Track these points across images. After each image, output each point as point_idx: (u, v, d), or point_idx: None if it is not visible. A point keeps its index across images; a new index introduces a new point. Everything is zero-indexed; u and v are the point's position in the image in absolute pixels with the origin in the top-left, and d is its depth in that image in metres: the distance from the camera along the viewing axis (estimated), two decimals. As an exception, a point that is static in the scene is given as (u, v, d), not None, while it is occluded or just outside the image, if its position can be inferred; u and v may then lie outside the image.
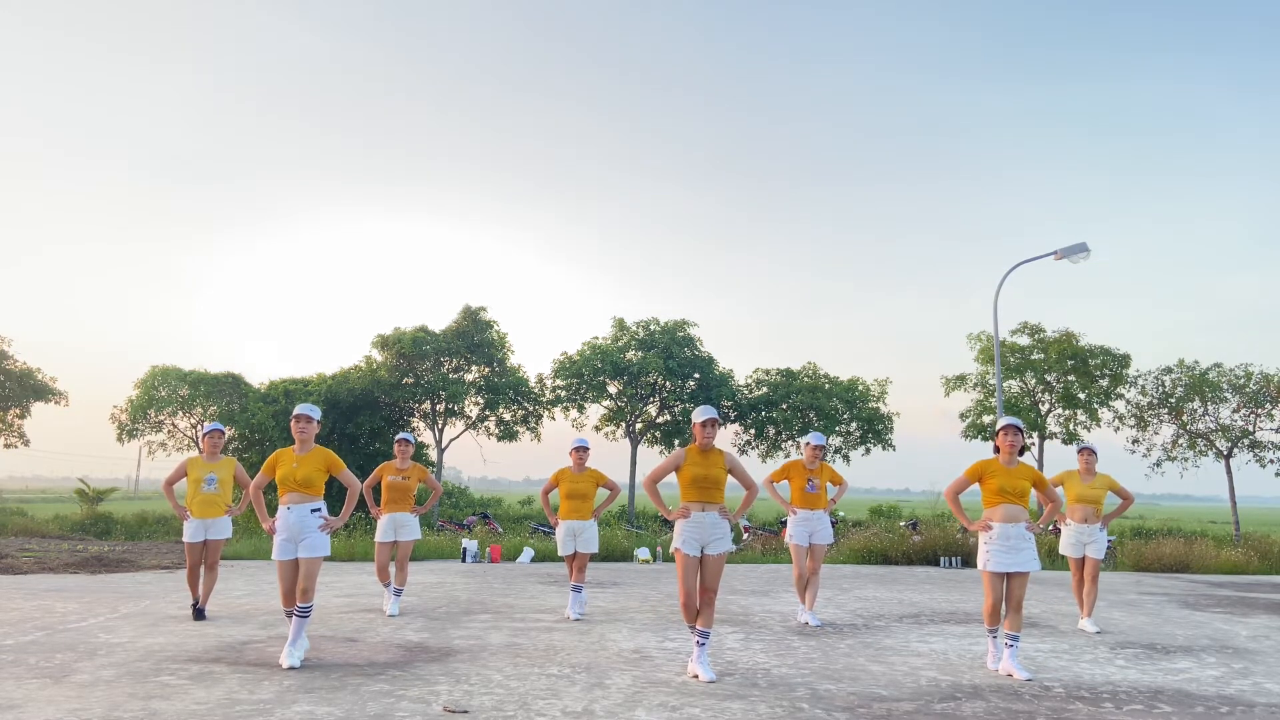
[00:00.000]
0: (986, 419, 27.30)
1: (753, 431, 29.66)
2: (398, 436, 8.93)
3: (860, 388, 29.48)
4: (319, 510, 6.31)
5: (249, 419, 25.82)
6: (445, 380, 27.16)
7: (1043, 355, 27.60)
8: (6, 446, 28.38)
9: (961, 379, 28.34)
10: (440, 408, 27.65)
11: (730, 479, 6.28)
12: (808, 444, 8.63)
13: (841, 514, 27.41)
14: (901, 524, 21.01)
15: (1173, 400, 25.99)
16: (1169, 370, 26.31)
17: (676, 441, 28.46)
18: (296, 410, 6.40)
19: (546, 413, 28.93)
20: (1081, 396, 27.30)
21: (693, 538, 6.07)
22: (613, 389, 28.80)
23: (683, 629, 7.92)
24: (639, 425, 29.09)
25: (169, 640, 6.99)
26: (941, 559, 15.91)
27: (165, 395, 26.46)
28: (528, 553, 15.59)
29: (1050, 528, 17.66)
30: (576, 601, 8.68)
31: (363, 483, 7.84)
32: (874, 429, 29.20)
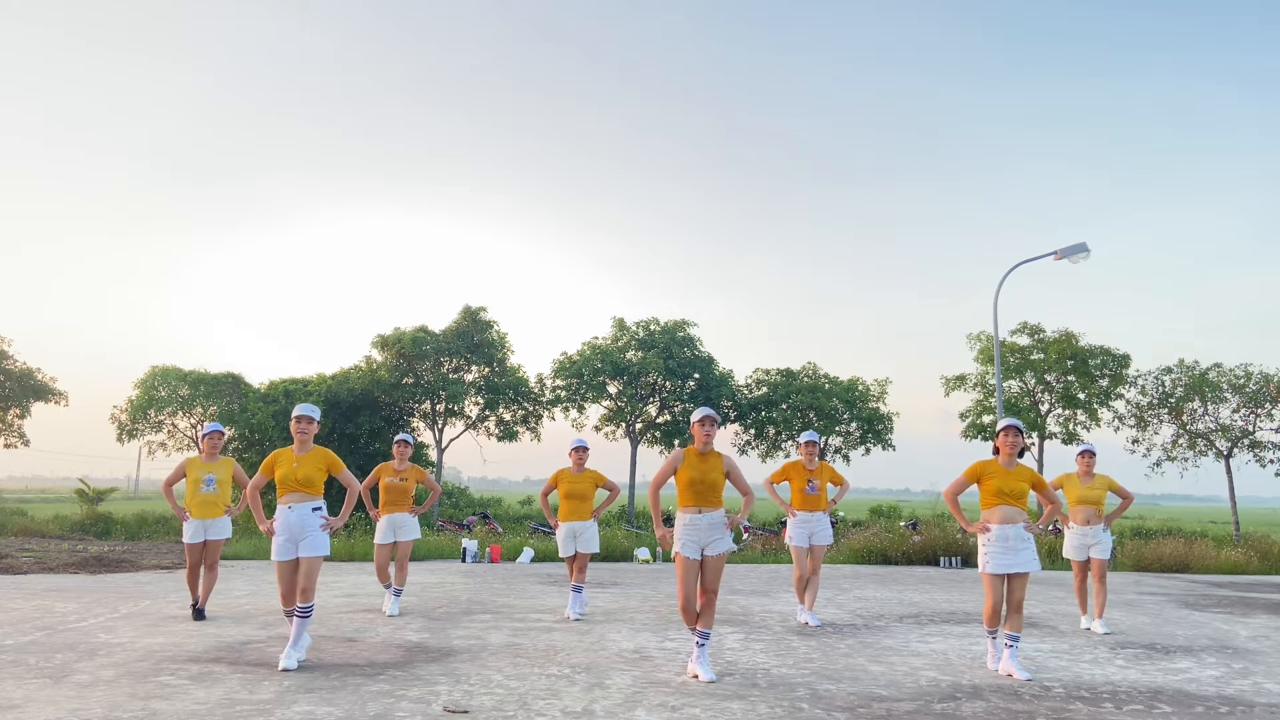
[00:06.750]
0: (986, 419, 27.31)
1: (752, 432, 29.66)
2: (396, 438, 8.92)
3: (860, 388, 29.48)
4: (320, 509, 6.31)
5: (249, 419, 25.82)
6: (445, 380, 27.16)
7: (1042, 355, 27.59)
8: (6, 446, 28.37)
9: (961, 379, 28.35)
10: (440, 408, 27.65)
11: (728, 483, 6.27)
12: (802, 443, 8.65)
13: (841, 514, 27.42)
14: (901, 524, 21.02)
15: (1173, 400, 25.97)
16: (1169, 370, 26.29)
17: (676, 442, 28.47)
18: (296, 411, 6.40)
19: (546, 413, 28.93)
20: (1081, 396, 27.30)
21: (692, 540, 6.07)
22: (613, 389, 28.79)
23: (683, 629, 7.92)
24: (639, 425, 29.09)
25: (169, 640, 6.99)
26: (941, 559, 15.91)
27: (165, 395, 26.46)
28: (528, 553, 15.59)
29: (1049, 528, 17.66)
30: (576, 601, 8.68)
31: (361, 483, 7.84)
32: (874, 429, 29.20)
